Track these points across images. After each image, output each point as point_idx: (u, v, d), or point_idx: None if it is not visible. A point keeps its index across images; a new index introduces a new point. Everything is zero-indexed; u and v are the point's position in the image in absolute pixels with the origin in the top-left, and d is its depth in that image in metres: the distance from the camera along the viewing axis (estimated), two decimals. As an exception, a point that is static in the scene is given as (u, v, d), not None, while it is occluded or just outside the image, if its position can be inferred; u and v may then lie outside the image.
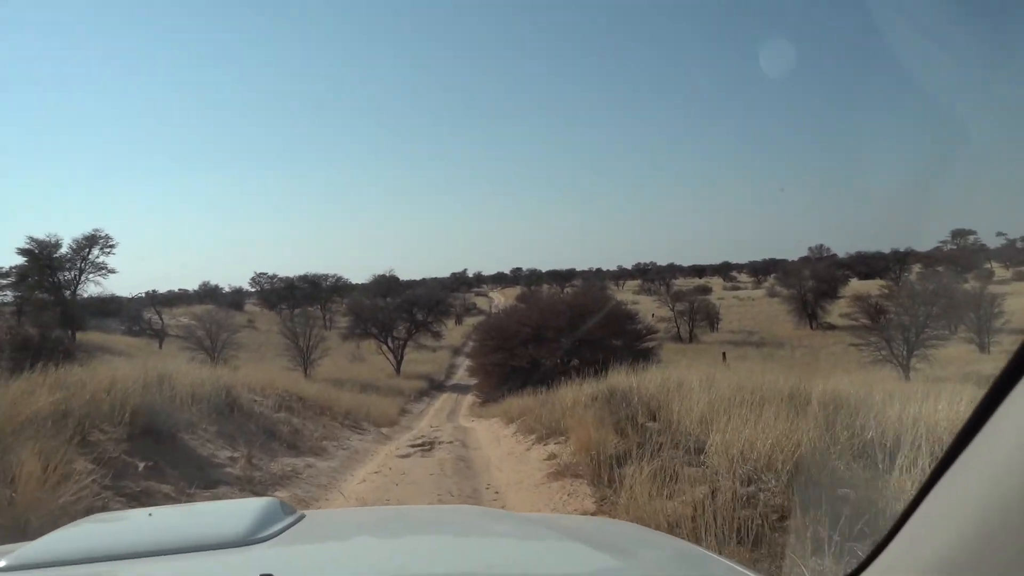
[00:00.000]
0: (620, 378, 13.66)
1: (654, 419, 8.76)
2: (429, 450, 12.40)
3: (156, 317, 57.96)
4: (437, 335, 42.17)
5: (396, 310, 39.86)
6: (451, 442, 13.77)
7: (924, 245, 73.43)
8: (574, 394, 13.33)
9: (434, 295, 40.77)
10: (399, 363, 39.47)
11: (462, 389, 36.74)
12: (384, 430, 17.72)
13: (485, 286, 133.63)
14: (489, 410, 25.14)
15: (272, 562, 1.52)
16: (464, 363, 48.14)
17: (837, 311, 58.14)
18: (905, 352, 30.89)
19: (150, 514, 2.13)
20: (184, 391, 10.45)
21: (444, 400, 32.77)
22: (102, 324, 53.92)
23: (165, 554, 1.64)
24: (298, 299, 70.87)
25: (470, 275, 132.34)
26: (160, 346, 44.11)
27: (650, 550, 1.97)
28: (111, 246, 44.83)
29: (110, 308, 55.54)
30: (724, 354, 44.38)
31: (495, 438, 14.92)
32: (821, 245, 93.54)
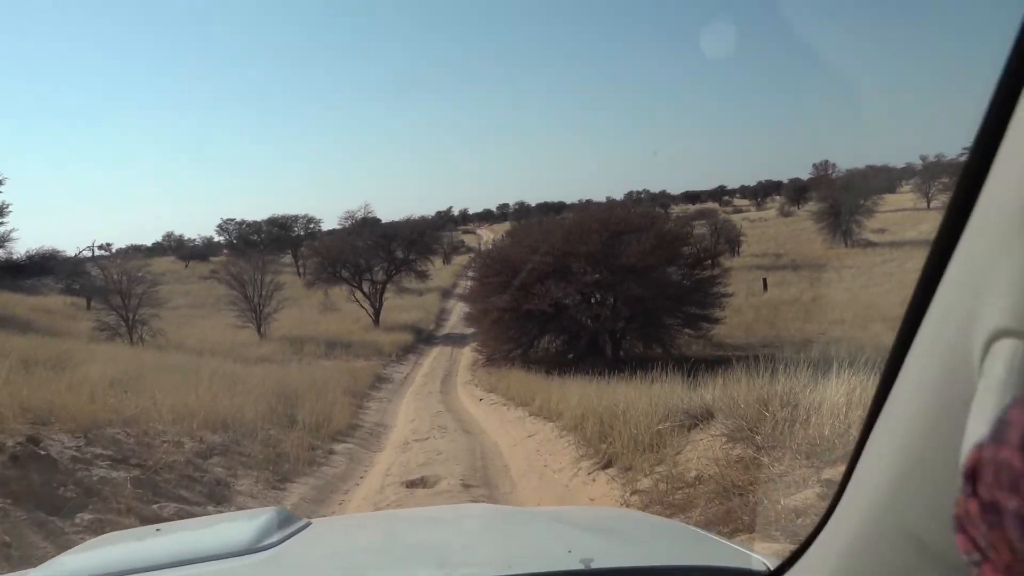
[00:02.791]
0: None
1: None
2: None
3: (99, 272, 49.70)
4: (422, 275, 34.06)
5: (371, 248, 31.63)
6: (463, 485, 6.09)
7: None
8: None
9: (416, 227, 32.44)
10: (378, 312, 31.46)
11: (457, 340, 28.91)
12: (337, 449, 9.64)
13: (472, 224, 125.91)
14: (501, 377, 17.29)
15: (276, 568, 1.55)
16: (458, 307, 40.26)
17: (870, 227, 50.99)
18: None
19: (158, 529, 2.14)
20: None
21: (435, 358, 24.92)
22: (38, 284, 46.68)
23: (173, 566, 1.60)
24: (266, 245, 62.45)
25: (455, 213, 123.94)
26: (88, 306, 36.03)
27: (662, 537, 1.98)
28: None
29: (48, 265, 48.47)
30: (764, 280, 36.90)
31: (550, 469, 7.26)
32: (826, 161, 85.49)
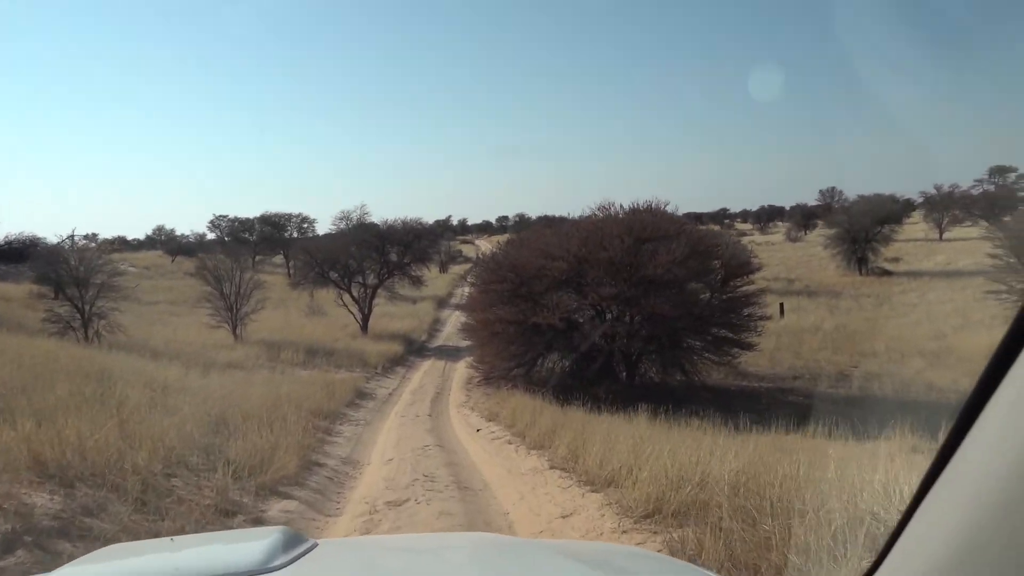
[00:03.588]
0: None
1: None
2: None
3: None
4: (417, 280, 31.27)
5: (363, 248, 28.88)
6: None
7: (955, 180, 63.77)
8: None
9: (412, 229, 29.67)
10: (366, 318, 28.70)
11: (451, 354, 26.17)
12: (271, 511, 6.70)
13: (471, 235, 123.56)
14: (501, 400, 14.58)
15: None
16: (453, 318, 37.49)
17: (885, 255, 48.51)
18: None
19: (172, 540, 2.07)
20: None
21: (426, 373, 22.16)
22: (14, 271, 44.37)
23: None
24: (258, 244, 59.71)
25: (454, 223, 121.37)
26: (56, 295, 33.25)
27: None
28: None
29: (27, 252, 45.97)
30: (782, 306, 34.30)
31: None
32: (833, 188, 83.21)
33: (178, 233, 74.60)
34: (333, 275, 29.48)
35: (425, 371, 22.51)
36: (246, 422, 9.48)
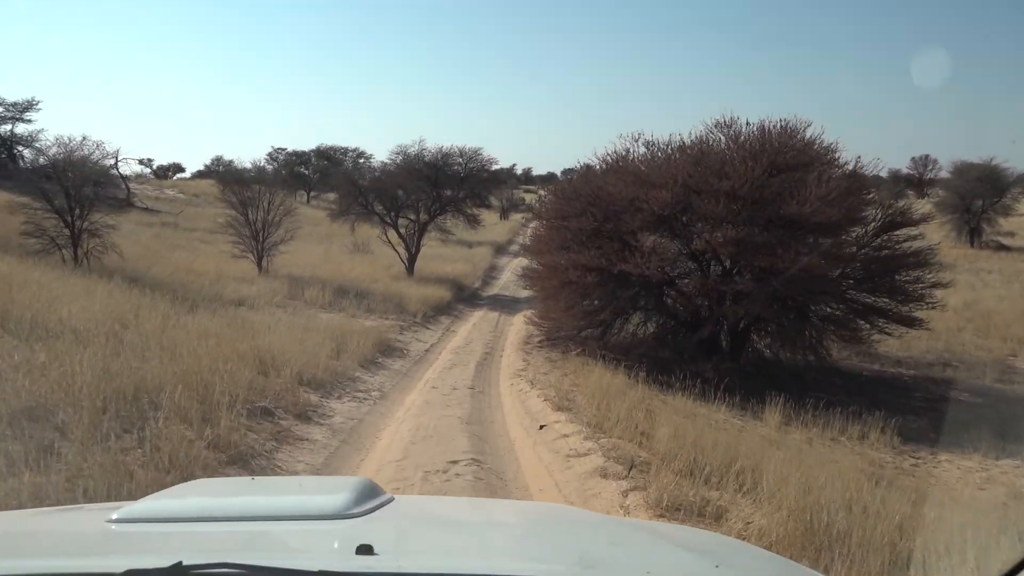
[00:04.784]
0: None
1: None
2: None
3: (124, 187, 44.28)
4: (473, 219, 26.98)
5: (411, 177, 24.68)
6: None
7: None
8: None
9: (473, 157, 25.16)
10: (412, 258, 24.70)
11: (507, 305, 22.02)
12: None
13: (535, 185, 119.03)
14: (572, 372, 10.31)
15: (370, 535, 1.43)
16: (512, 265, 33.27)
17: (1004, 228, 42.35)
18: None
19: (252, 480, 2.28)
20: None
21: (475, 326, 18.05)
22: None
23: (269, 520, 1.63)
24: (314, 177, 56.39)
25: (518, 172, 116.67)
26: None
27: (748, 560, 1.84)
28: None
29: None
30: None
31: None
32: (927, 156, 74.96)
33: (237, 164, 71.85)
34: (379, 208, 25.44)
35: (475, 324, 18.40)
36: (157, 396, 5.49)
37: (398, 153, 26.41)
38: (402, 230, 25.20)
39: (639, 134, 13.33)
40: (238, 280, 18.75)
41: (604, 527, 2.06)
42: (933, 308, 12.42)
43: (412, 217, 25.41)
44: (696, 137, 12.88)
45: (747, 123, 12.49)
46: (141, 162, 60.73)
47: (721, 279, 11.41)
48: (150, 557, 1.30)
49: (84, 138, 18.28)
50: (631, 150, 13.31)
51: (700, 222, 11.89)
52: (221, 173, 69.54)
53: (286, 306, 16.40)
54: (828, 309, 12.33)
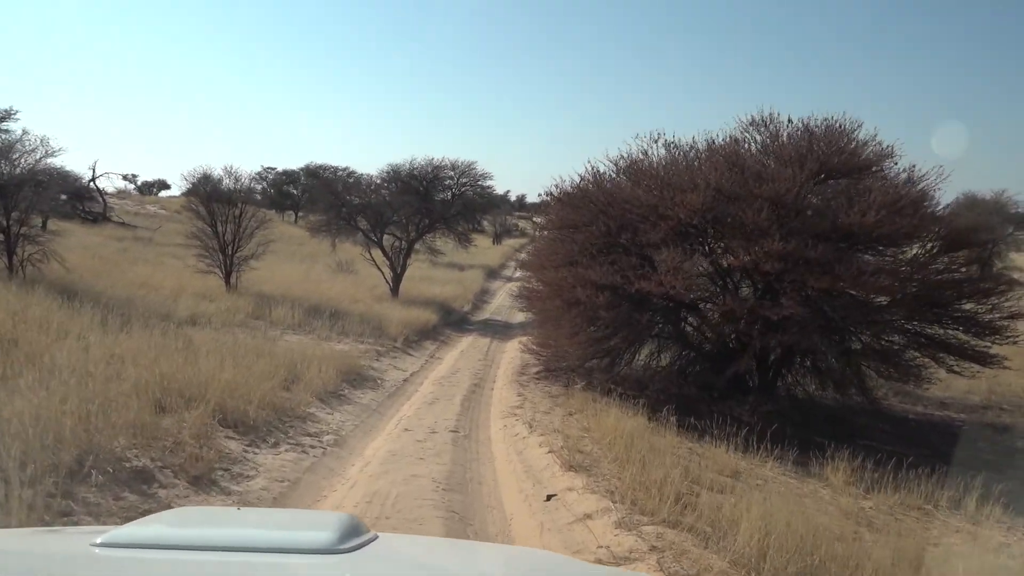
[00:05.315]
0: None
1: None
2: None
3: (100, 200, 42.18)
4: (465, 238, 24.91)
5: (398, 191, 22.66)
6: None
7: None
8: None
9: (466, 172, 23.10)
10: (398, 278, 22.62)
11: (500, 331, 19.92)
12: None
13: (528, 212, 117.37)
14: (580, 413, 8.19)
15: (360, 572, 1.52)
16: (505, 289, 31.19)
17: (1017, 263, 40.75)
18: None
19: (239, 509, 2.22)
20: None
21: (463, 353, 15.92)
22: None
23: (256, 551, 1.60)
24: (303, 197, 54.41)
25: (512, 198, 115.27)
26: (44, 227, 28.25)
27: None
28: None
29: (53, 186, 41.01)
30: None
31: None
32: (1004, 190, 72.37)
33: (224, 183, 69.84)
34: (363, 224, 23.39)
35: (463, 351, 16.26)
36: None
37: (390, 173, 24.32)
38: (387, 247, 23.12)
39: (659, 134, 11.36)
40: (199, 297, 16.55)
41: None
42: (1014, 343, 10.37)
43: (399, 235, 23.35)
44: (727, 137, 10.89)
45: (789, 121, 10.52)
46: (125, 177, 58.67)
47: (759, 302, 9.34)
48: None
49: (25, 132, 16.01)
50: (650, 152, 11.33)
51: (732, 235, 9.87)
52: (206, 191, 67.71)
53: (247, 326, 14.24)
54: (884, 341, 10.28)
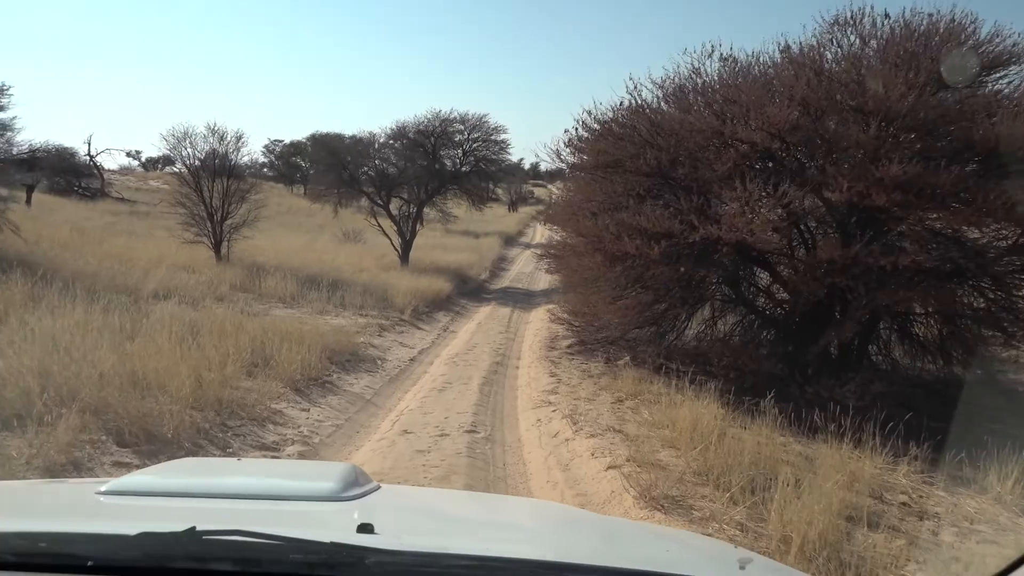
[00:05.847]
0: None
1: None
2: None
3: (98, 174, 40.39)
4: (478, 198, 22.62)
5: (405, 150, 20.42)
6: None
7: None
8: None
9: (478, 125, 20.71)
10: (407, 245, 20.50)
11: (521, 299, 17.77)
12: None
13: (542, 180, 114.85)
14: (636, 397, 5.44)
15: (367, 517, 1.40)
16: (524, 256, 29.00)
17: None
18: None
19: (239, 460, 2.14)
20: None
21: (480, 326, 13.77)
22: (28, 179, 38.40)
23: (262, 499, 1.57)
24: (311, 168, 52.21)
25: (526, 167, 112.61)
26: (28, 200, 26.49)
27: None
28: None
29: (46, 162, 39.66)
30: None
31: None
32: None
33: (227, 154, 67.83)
34: (368, 187, 21.23)
35: (480, 323, 14.13)
36: None
37: (397, 131, 21.99)
38: (395, 212, 20.95)
39: (712, 46, 9.00)
40: (181, 268, 14.51)
41: (604, 524, 2.03)
42: None
43: (406, 198, 21.15)
44: (803, 43, 8.52)
45: (886, 16, 8.13)
46: (128, 154, 56.85)
47: (867, 248, 7.05)
48: (155, 524, 1.27)
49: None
50: (703, 69, 8.96)
51: (827, 162, 7.56)
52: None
53: (230, 299, 12.19)
54: (1016, 295, 7.98)
